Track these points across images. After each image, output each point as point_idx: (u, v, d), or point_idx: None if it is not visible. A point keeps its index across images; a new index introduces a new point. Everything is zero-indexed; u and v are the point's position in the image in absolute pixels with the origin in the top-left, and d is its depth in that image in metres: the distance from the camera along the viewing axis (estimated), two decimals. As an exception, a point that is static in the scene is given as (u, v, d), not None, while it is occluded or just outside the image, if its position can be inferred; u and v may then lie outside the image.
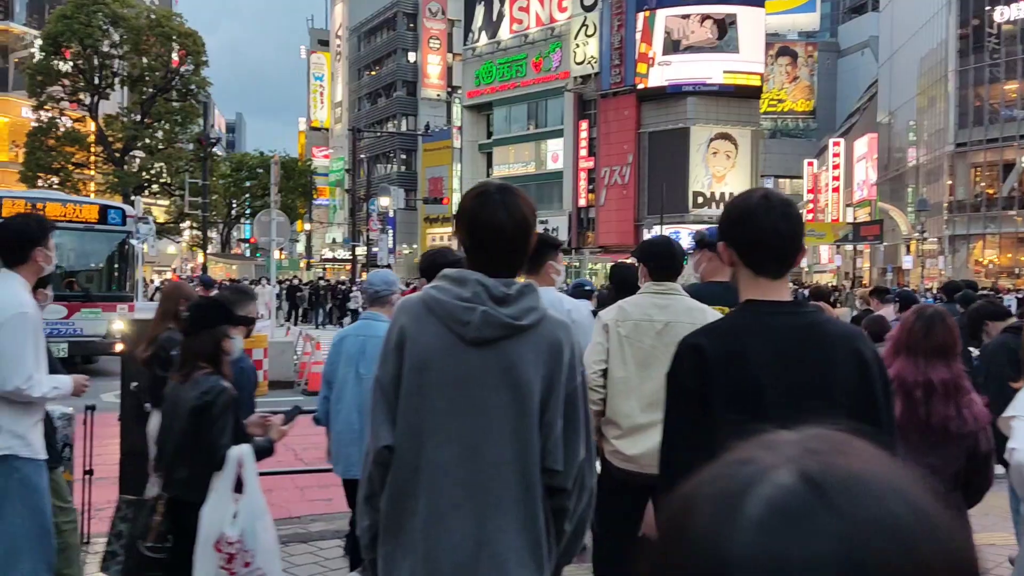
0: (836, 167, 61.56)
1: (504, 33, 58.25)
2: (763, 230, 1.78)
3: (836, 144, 62.04)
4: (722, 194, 50.28)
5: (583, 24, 53.15)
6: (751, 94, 50.58)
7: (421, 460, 1.94)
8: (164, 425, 3.45)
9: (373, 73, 74.18)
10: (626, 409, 3.31)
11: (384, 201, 33.40)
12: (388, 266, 49.13)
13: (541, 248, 3.67)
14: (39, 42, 29.16)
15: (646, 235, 47.37)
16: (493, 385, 1.93)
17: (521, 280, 2.05)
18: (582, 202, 53.93)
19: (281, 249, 66.27)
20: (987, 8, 43.95)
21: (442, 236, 63.72)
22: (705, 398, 1.74)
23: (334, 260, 66.71)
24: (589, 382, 3.27)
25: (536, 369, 1.94)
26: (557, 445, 1.94)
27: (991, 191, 45.24)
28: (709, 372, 1.74)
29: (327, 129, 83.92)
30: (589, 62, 52.98)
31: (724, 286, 2.91)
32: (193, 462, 3.27)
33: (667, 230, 46.38)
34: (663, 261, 3.48)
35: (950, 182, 46.47)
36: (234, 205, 51.08)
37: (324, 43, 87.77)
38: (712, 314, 3.26)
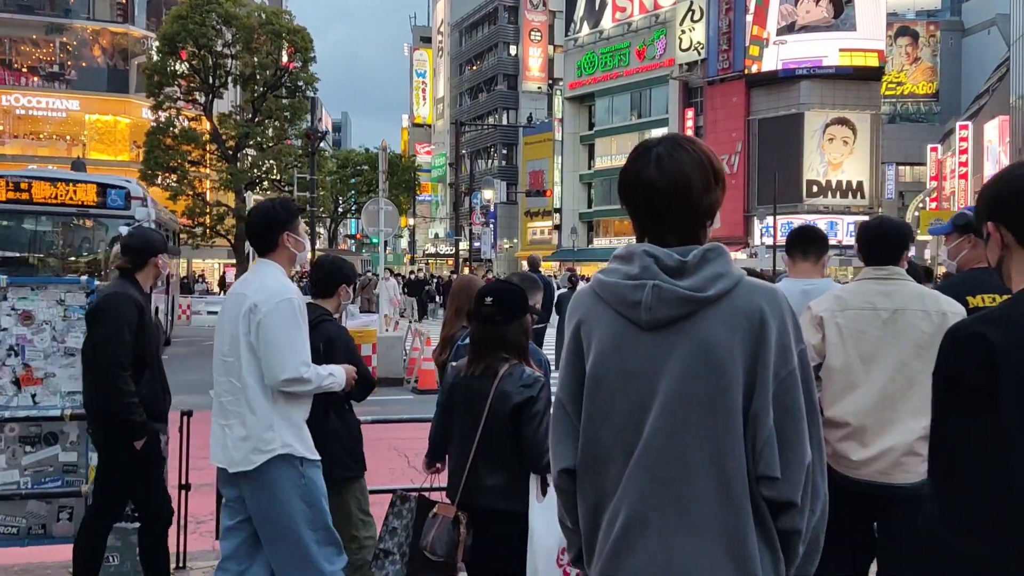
0: (964, 152, 57.78)
1: (607, 22, 57.19)
2: None
3: (963, 128, 58.24)
4: (839, 182, 47.90)
5: (689, 9, 51.56)
6: (871, 75, 47.89)
7: (606, 477, 1.68)
8: (462, 424, 3.04)
9: (474, 68, 74.25)
10: (851, 407, 2.96)
11: (487, 194, 32.98)
12: (490, 260, 48.94)
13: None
14: (156, 43, 29.99)
15: (757, 226, 45.60)
16: (679, 375, 1.60)
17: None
18: (688, 193, 52.26)
19: (386, 243, 67.07)
20: None
21: (542, 230, 63.31)
22: (990, 396, 1.41)
23: (437, 255, 67.13)
24: None
25: (734, 349, 1.59)
26: (770, 446, 1.59)
27: None
28: (997, 366, 1.41)
29: (429, 125, 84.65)
30: (695, 48, 51.36)
31: (988, 272, 2.29)
32: (512, 465, 2.93)
33: (780, 220, 44.48)
34: (878, 243, 3.15)
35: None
36: (340, 201, 51.86)
37: (427, 40, 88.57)
38: (946, 299, 3.00)
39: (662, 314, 1.62)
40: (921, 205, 56.24)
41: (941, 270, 44.68)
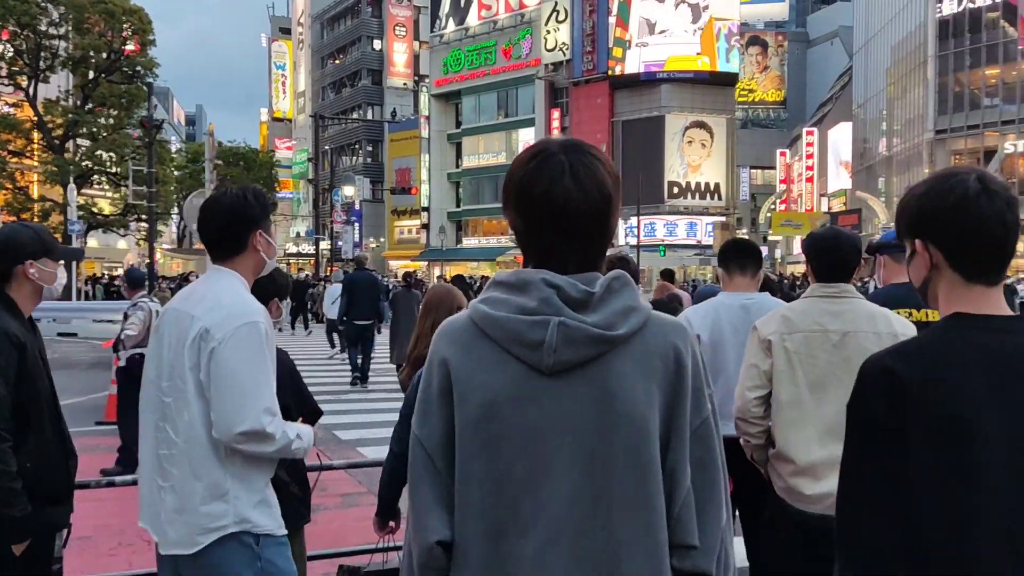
0: (810, 156, 61.05)
1: (472, 19, 56.75)
2: (985, 221, 1.40)
3: (810, 133, 61.52)
4: (698, 184, 49.34)
5: (554, 10, 51.84)
6: (726, 81, 49.65)
7: (497, 555, 1.39)
8: None
9: (337, 62, 72.24)
10: (801, 440, 2.80)
11: (348, 190, 31.68)
12: (353, 260, 47.37)
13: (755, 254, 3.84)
14: (-29, 23, 27.02)
15: (622, 227, 46.32)
16: (592, 429, 1.38)
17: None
18: (555, 193, 52.57)
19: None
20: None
21: (410, 229, 62.26)
22: (899, 437, 1.37)
23: (299, 254, 64.76)
24: (745, 413, 2.90)
25: (651, 396, 1.39)
26: (688, 508, 1.42)
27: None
28: (906, 405, 1.37)
29: (290, 120, 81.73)
30: (561, 48, 51.70)
31: (907, 287, 2.36)
32: None
33: (643, 221, 45.33)
34: (833, 258, 2.96)
35: (929, 170, 45.80)
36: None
37: (286, 31, 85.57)
38: (899, 320, 2.89)
39: (570, 356, 1.37)
40: (772, 207, 58.96)
41: (790, 270, 46.24)
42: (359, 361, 12.63)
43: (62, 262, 2.95)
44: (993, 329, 1.40)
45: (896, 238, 1.58)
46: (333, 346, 17.34)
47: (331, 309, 16.57)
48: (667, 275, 9.57)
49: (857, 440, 1.40)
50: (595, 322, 1.37)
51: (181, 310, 2.40)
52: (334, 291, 16.71)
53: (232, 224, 2.46)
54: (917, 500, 1.32)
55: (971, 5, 43.13)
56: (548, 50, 52.33)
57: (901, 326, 2.83)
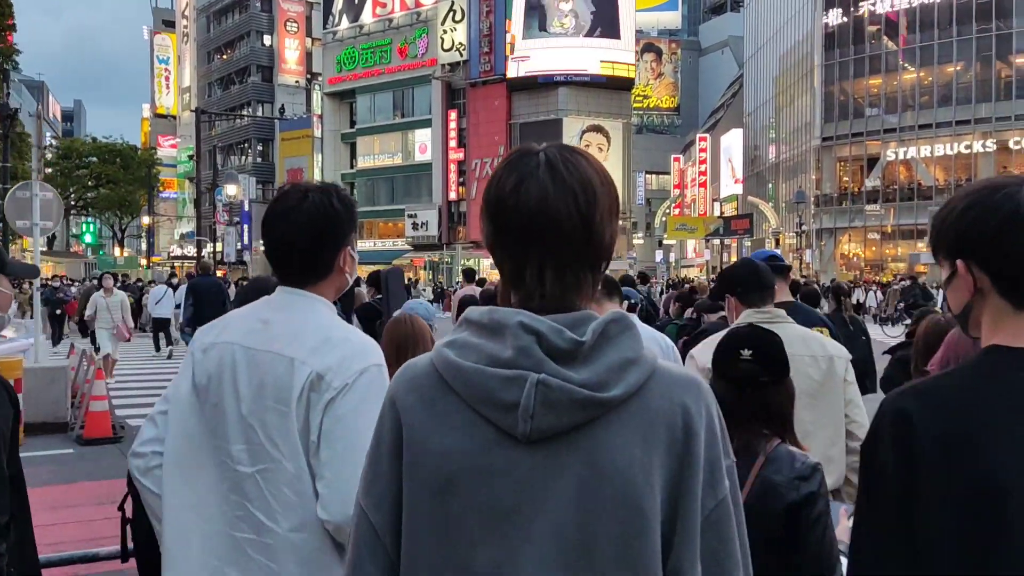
0: (703, 162, 62.31)
1: (367, 17, 55.32)
2: (1019, 239, 1.25)
3: (702, 139, 62.82)
4: (595, 187, 49.38)
5: (450, 9, 51.04)
6: (623, 85, 49.96)
7: None
8: None
9: (225, 57, 69.28)
10: None
11: (231, 189, 29.79)
12: (244, 263, 45.17)
13: None
14: None
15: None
16: (573, 513, 1.11)
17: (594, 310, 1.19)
18: (452, 195, 51.83)
19: (120, 243, 60.81)
20: (852, 3, 44.86)
21: (303, 231, 60.10)
22: (913, 496, 1.20)
23: (184, 257, 61.64)
24: None
25: (651, 474, 1.11)
26: None
27: (856, 185, 46.27)
28: (921, 460, 1.20)
29: (174, 116, 77.95)
30: (457, 49, 50.92)
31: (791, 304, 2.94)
32: None
33: (541, 224, 44.95)
34: (756, 282, 2.96)
35: (816, 176, 47.24)
36: (66, 196, 45.70)
37: (170, 24, 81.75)
38: (832, 342, 2.88)
39: (549, 423, 1.10)
40: (667, 211, 59.91)
41: (684, 273, 46.80)
42: None
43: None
44: None
45: (936, 256, 1.38)
46: (158, 349, 17.13)
47: (155, 309, 16.98)
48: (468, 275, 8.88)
49: (866, 491, 1.20)
50: (584, 380, 1.09)
51: (262, 350, 1.79)
52: (157, 292, 17.41)
53: (318, 243, 1.85)
54: (935, 568, 1.15)
55: (855, 15, 44.70)
56: (445, 50, 51.48)
57: (834, 348, 2.77)
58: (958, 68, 41.41)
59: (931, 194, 42.10)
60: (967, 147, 41.29)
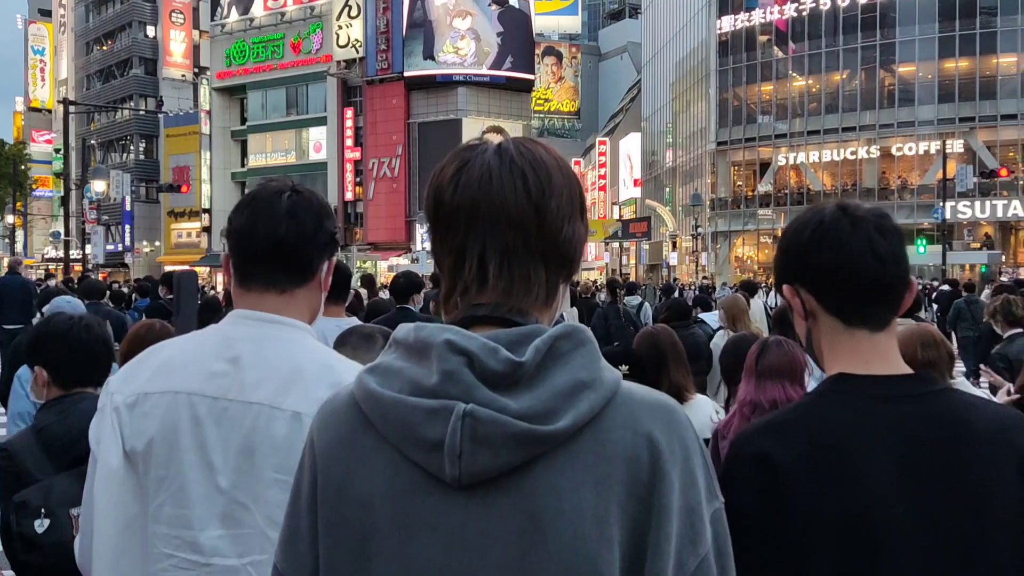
0: (603, 166, 62.76)
1: (258, 10, 53.19)
2: (850, 250, 1.23)
3: (602, 143, 63.29)
4: (495, 189, 48.89)
5: (346, 4, 49.57)
6: (522, 87, 49.61)
7: None
8: None
9: (105, 48, 65.53)
10: None
11: (99, 186, 27.74)
12: (125, 265, 42.37)
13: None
14: None
15: (418, 231, 44.89)
16: (513, 574, 0.92)
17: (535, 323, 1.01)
18: (349, 195, 50.30)
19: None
20: (744, 11, 45.78)
21: (190, 232, 57.51)
22: (781, 539, 1.14)
23: (57, 260, 57.86)
24: None
25: (607, 525, 0.91)
26: None
27: (749, 189, 47.24)
28: (785, 500, 1.14)
29: (50, 111, 73.30)
30: (353, 45, 49.49)
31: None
32: None
33: (440, 226, 44.10)
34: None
35: (711, 180, 48.01)
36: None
37: (45, 13, 76.90)
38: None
39: (483, 464, 0.91)
40: (567, 214, 59.88)
41: (584, 276, 46.42)
42: None
43: None
44: (889, 397, 1.15)
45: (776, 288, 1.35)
46: None
47: None
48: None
49: (733, 532, 1.02)
50: (523, 410, 0.90)
51: (239, 401, 1.40)
52: None
53: (307, 238, 1.53)
54: None
55: (747, 24, 45.64)
56: (340, 46, 49.94)
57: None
58: (844, 76, 42.76)
59: (819, 198, 43.28)
60: (852, 153, 42.67)
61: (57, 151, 34.12)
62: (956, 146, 37.06)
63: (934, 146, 38.63)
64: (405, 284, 5.37)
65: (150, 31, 61.72)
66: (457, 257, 0.98)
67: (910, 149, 41.10)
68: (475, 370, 0.91)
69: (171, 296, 5.79)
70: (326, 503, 0.98)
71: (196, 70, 60.48)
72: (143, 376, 1.44)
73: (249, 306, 1.48)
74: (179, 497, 1.37)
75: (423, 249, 42.08)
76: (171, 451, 1.38)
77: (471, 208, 0.97)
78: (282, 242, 1.48)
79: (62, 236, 28.69)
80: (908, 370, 1.22)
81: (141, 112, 57.03)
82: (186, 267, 45.16)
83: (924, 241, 34.91)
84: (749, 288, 6.30)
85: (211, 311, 5.63)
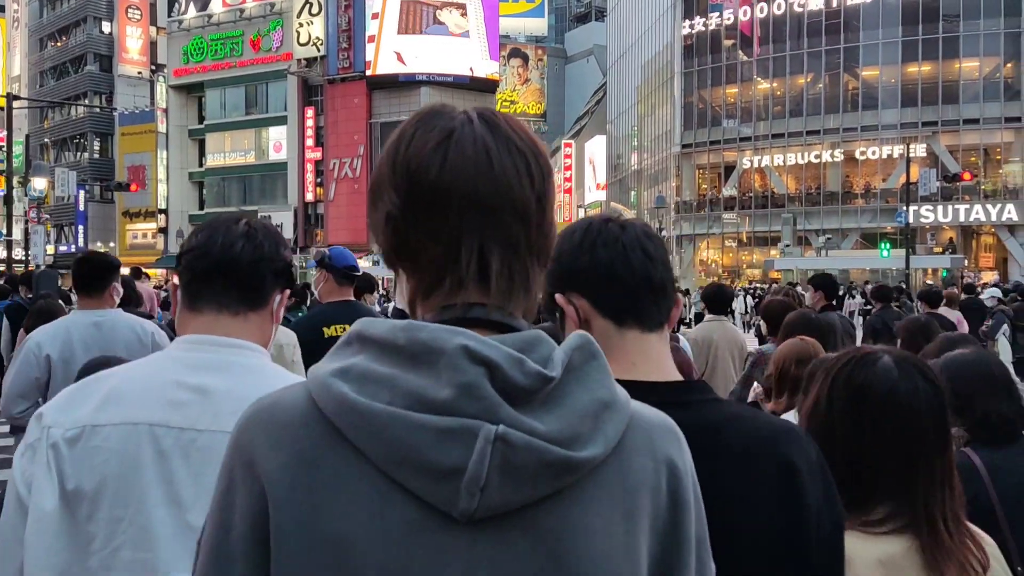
0: (568, 168, 62.38)
1: (217, 6, 52.04)
2: (617, 248, 1.25)
3: (568, 145, 62.92)
4: (459, 191, 48.27)
5: (307, 2, 48.58)
6: (487, 87, 48.95)
7: None
8: None
9: (59, 44, 63.82)
10: None
11: (39, 183, 26.70)
12: (52, 267, 40.87)
13: (106, 271, 3.40)
14: None
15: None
16: None
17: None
18: (309, 196, 49.32)
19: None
20: (709, 14, 45.61)
21: (145, 233, 56.11)
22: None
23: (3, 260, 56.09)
24: None
25: (635, 564, 0.82)
26: None
27: (715, 192, 47.03)
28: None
29: (2, 108, 71.24)
30: (314, 43, 48.51)
31: (346, 304, 3.08)
32: None
33: (402, 228, 43.40)
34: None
35: (676, 183, 47.75)
36: None
37: (-2, 7, 74.73)
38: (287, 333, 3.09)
39: (504, 498, 0.78)
40: (533, 217, 59.54)
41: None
42: None
43: None
44: (651, 404, 1.00)
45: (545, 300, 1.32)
46: None
47: None
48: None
49: None
50: (552, 434, 0.78)
51: (211, 431, 1.34)
52: None
53: (262, 263, 1.54)
54: None
55: (712, 27, 45.47)
56: (301, 44, 48.93)
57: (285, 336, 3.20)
58: (808, 80, 42.73)
59: (783, 202, 43.23)
60: (816, 157, 42.64)
61: (0, 148, 32.83)
62: (919, 150, 37.13)
63: (897, 150, 38.70)
64: (361, 284, 5.32)
65: (105, 27, 60.16)
66: (449, 248, 0.83)
67: (873, 153, 41.17)
68: (498, 384, 0.78)
69: (31, 296, 5.32)
70: (285, 547, 0.78)
71: (153, 67, 59.06)
72: (87, 407, 1.33)
73: (200, 330, 1.43)
74: (141, 539, 1.28)
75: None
76: (130, 488, 1.29)
77: (469, 192, 0.83)
78: (237, 259, 1.46)
79: (3, 236, 27.44)
80: (678, 377, 1.22)
81: (96, 110, 55.57)
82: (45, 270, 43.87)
83: (888, 245, 34.86)
84: (721, 297, 5.85)
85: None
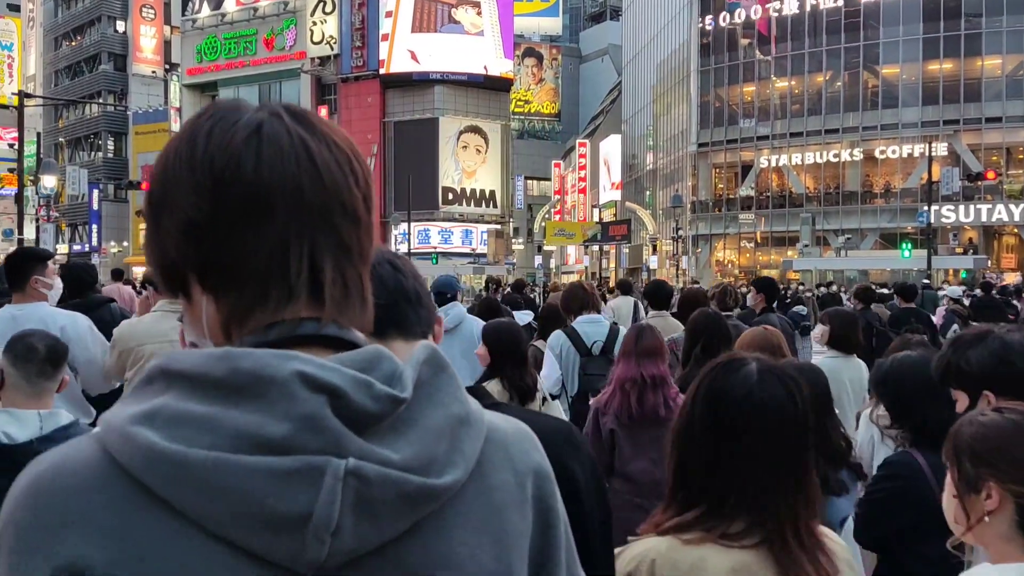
0: (583, 168, 61.94)
1: (230, 5, 51.91)
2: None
3: (582, 145, 62.48)
4: (472, 191, 47.87)
5: (320, 0, 48.34)
6: (501, 86, 48.63)
7: None
8: None
9: (74, 43, 63.99)
10: None
11: (48, 181, 26.59)
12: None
13: (23, 262, 3.52)
14: None
15: (394, 233, 43.77)
16: None
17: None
18: (322, 196, 49.06)
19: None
20: (724, 12, 45.12)
21: (159, 233, 56.10)
22: None
23: (21, 261, 56.27)
24: None
25: None
26: None
27: (731, 192, 46.52)
28: None
29: (17, 107, 71.59)
30: (328, 42, 48.30)
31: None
32: None
33: (416, 227, 43.03)
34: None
35: (692, 183, 47.26)
36: None
37: (14, 7, 75.04)
38: None
39: (359, 540, 0.69)
40: (547, 217, 59.22)
41: (564, 280, 45.83)
42: None
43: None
44: None
45: None
46: None
47: None
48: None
49: None
50: (406, 461, 0.70)
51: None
52: None
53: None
54: None
55: (729, 25, 44.96)
56: (314, 43, 48.73)
57: None
58: (827, 78, 42.14)
59: (801, 202, 42.67)
60: (835, 156, 42.05)
61: (12, 146, 32.70)
62: (940, 149, 36.51)
63: (918, 149, 38.06)
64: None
65: (120, 26, 60.29)
66: (273, 255, 0.72)
67: (893, 152, 40.54)
68: (340, 412, 0.68)
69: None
70: None
71: (167, 66, 59.12)
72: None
73: None
74: None
75: (398, 251, 41.00)
76: None
77: (293, 189, 0.72)
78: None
79: (15, 234, 27.35)
80: None
81: (109, 109, 55.62)
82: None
83: (909, 245, 34.25)
84: (661, 293, 6.31)
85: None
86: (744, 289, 7.81)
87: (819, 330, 4.46)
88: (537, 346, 4.98)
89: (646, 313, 9.99)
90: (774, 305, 5.83)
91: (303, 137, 0.74)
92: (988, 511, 1.37)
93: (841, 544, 1.51)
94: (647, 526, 1.48)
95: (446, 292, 5.37)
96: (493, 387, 3.41)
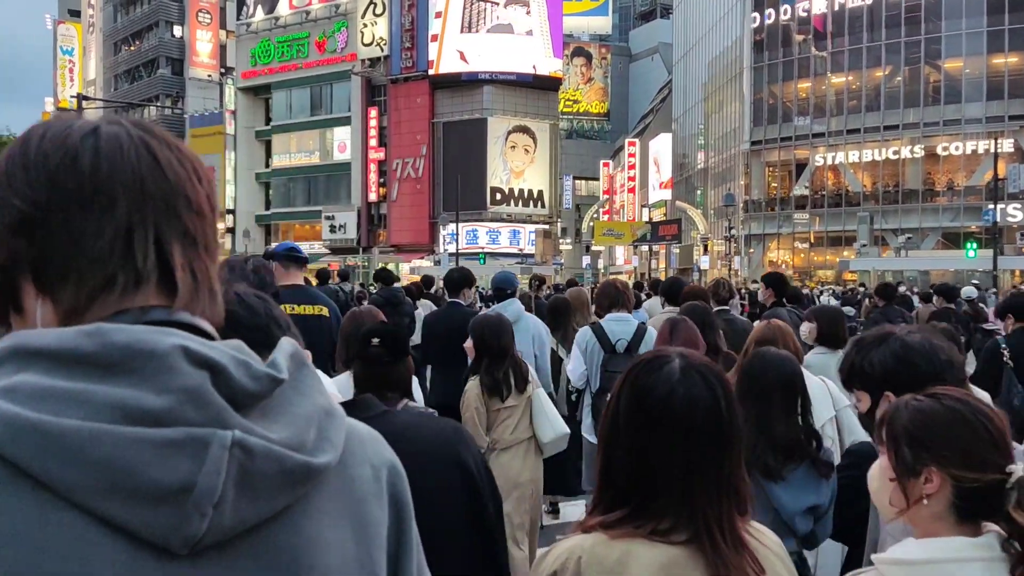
0: (632, 167, 61.40)
1: (284, 8, 52.62)
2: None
3: (632, 144, 61.94)
4: (520, 191, 47.72)
5: (371, 2, 48.71)
6: (550, 86, 48.39)
7: None
8: None
9: (132, 48, 65.56)
10: None
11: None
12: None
13: None
14: None
15: (442, 233, 43.86)
16: None
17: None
18: (372, 196, 49.42)
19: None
20: (783, 5, 44.23)
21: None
22: None
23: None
24: None
25: (363, 570, 0.78)
26: None
27: (785, 191, 45.58)
28: None
29: (77, 110, 73.58)
30: (378, 44, 48.61)
31: (295, 288, 3.60)
32: None
33: (464, 228, 43.04)
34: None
35: (744, 182, 46.43)
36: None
37: (75, 13, 77.27)
38: None
39: (240, 516, 0.68)
40: (595, 216, 58.85)
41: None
42: None
43: None
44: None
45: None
46: None
47: None
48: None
49: None
50: (284, 440, 0.71)
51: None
52: None
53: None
54: None
55: (783, 19, 44.05)
56: (365, 45, 49.10)
57: None
58: (886, 73, 41.04)
59: (859, 200, 41.60)
60: (895, 153, 40.90)
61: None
62: (1006, 145, 35.23)
63: (982, 145, 36.82)
64: (459, 278, 5.59)
65: (177, 31, 61.54)
66: (117, 239, 0.70)
67: (956, 149, 39.29)
68: (221, 389, 0.68)
69: None
70: None
71: (222, 70, 60.15)
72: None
73: None
74: None
75: (446, 251, 41.05)
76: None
77: (134, 181, 0.71)
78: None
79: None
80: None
81: (167, 112, 56.77)
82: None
83: (975, 245, 33.10)
84: (677, 289, 6.32)
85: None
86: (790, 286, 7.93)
87: (806, 327, 4.57)
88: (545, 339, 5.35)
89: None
90: (784, 300, 6.28)
91: (143, 137, 0.74)
92: (927, 494, 1.39)
93: (773, 539, 1.50)
94: (574, 526, 1.47)
95: (505, 288, 5.50)
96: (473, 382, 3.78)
